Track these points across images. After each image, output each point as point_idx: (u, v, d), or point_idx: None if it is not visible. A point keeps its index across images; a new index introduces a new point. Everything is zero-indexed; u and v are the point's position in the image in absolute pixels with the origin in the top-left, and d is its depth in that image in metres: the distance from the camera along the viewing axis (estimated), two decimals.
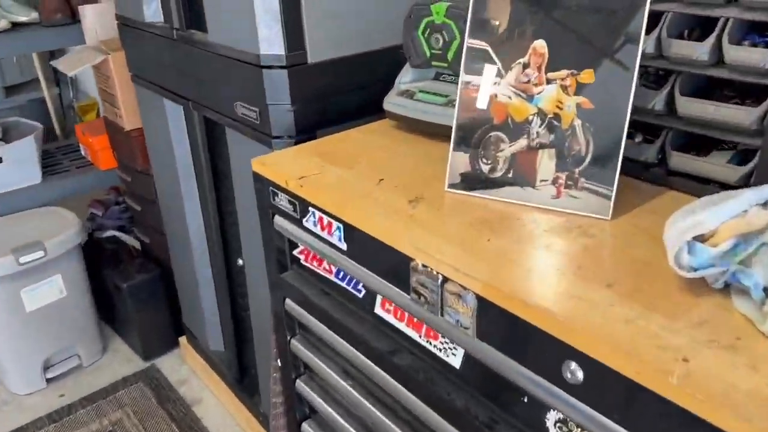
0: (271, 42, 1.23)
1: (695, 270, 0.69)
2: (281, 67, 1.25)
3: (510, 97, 0.92)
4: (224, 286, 1.87)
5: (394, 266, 0.87)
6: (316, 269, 1.11)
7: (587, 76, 0.87)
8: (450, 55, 1.14)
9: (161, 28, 1.59)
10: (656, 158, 0.95)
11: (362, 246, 0.93)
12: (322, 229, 1.00)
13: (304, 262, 1.14)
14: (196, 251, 1.92)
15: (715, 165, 0.88)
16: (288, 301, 1.18)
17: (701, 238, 0.71)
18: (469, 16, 0.93)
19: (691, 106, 0.88)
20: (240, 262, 1.71)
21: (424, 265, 0.82)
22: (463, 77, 0.94)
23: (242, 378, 1.93)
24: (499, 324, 0.75)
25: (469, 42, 0.94)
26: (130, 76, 1.90)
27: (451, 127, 0.97)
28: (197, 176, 1.79)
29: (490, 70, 0.93)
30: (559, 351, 0.68)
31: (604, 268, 0.76)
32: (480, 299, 0.76)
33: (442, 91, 1.18)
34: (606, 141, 0.86)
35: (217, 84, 1.45)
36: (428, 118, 1.15)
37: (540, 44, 0.89)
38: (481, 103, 0.94)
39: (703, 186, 0.90)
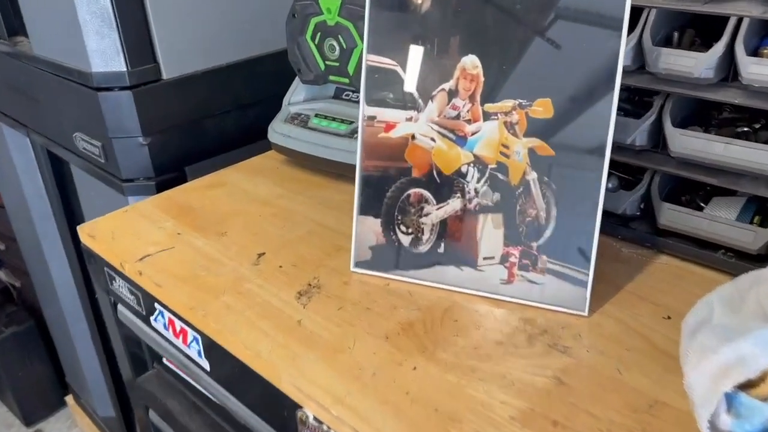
0: (105, 55, 0.90)
1: None
2: (123, 88, 0.92)
3: (433, 140, 0.63)
4: (101, 345, 1.53)
5: (276, 409, 0.58)
6: (182, 373, 0.80)
7: (543, 107, 0.59)
8: (351, 68, 0.84)
9: None
10: (637, 209, 0.69)
11: (230, 370, 0.63)
12: (176, 335, 0.70)
13: (166, 362, 0.83)
14: (65, 302, 1.57)
15: (723, 224, 0.63)
16: (152, 412, 0.87)
17: (746, 384, 0.44)
18: (366, 21, 0.63)
19: (689, 143, 0.62)
20: None
21: (317, 419, 0.53)
22: (365, 110, 0.65)
23: None
24: None
25: (369, 59, 0.64)
26: None
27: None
28: (56, 217, 1.43)
29: (401, 99, 0.64)
30: None
31: (593, 420, 0.49)
32: None
33: (344, 115, 0.88)
34: (576, 202, 0.59)
35: (53, 109, 1.10)
36: (327, 154, 0.85)
37: (471, 62, 0.61)
38: (393, 148, 0.64)
39: (707, 251, 0.64)
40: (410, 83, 0.63)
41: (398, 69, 0.63)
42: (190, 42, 0.96)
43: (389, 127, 0.64)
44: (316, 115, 0.89)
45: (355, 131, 0.85)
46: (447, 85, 0.62)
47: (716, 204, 0.67)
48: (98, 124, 0.95)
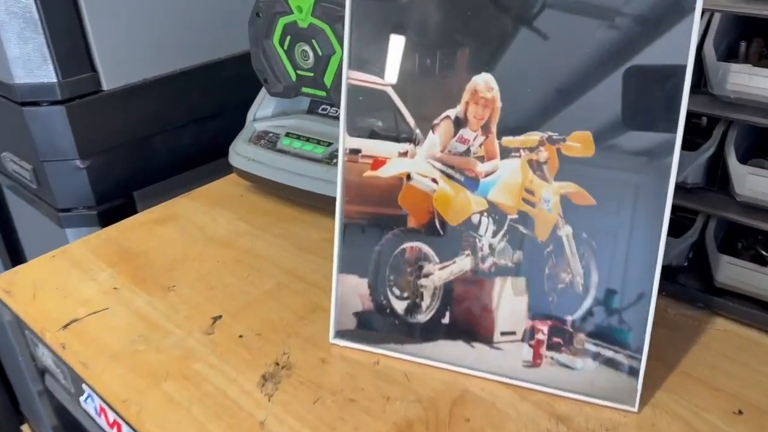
0: (29, 63, 0.74)
1: None
2: (55, 102, 0.76)
3: (435, 181, 0.49)
4: None
5: None
6: None
7: (581, 143, 0.45)
8: (329, 79, 0.70)
9: None
10: (685, 259, 0.56)
11: None
12: (109, 426, 0.55)
13: None
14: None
15: None
16: None
17: None
18: (347, 25, 0.49)
19: (761, 185, 0.48)
20: None
21: None
22: (347, 141, 0.51)
23: None
24: None
25: (352, 77, 0.50)
26: None
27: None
28: None
29: (393, 128, 0.50)
30: None
31: None
32: None
33: (321, 135, 0.73)
34: (624, 265, 0.46)
35: None
36: (299, 183, 0.71)
37: (484, 82, 0.47)
38: (383, 191, 0.50)
39: None
40: (405, 108, 0.49)
41: (389, 90, 0.49)
42: (137, 45, 0.81)
43: (378, 163, 0.50)
44: (287, 135, 0.74)
45: (334, 155, 0.70)
46: (453, 112, 0.48)
47: None
48: (27, 144, 0.80)
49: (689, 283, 0.56)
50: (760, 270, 0.51)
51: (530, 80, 0.45)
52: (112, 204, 0.84)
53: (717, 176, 0.52)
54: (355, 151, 0.50)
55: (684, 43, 0.42)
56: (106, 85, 0.80)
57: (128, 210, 0.85)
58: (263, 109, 0.78)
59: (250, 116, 0.79)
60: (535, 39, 0.45)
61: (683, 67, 0.42)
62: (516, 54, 0.46)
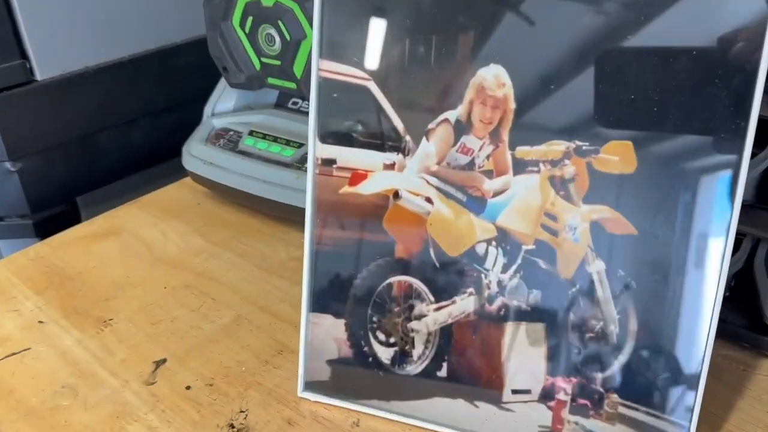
0: None
1: None
2: None
3: (430, 200, 0.39)
4: None
5: None
6: None
7: (619, 154, 0.35)
8: (299, 69, 0.59)
9: None
10: (727, 289, 0.46)
11: None
12: None
13: None
14: None
15: None
16: None
17: None
18: (317, 8, 0.38)
19: None
20: None
21: None
22: (318, 149, 0.40)
23: None
24: None
25: (324, 69, 0.39)
26: None
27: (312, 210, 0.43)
28: None
29: (377, 134, 0.39)
30: None
31: None
32: None
33: (291, 134, 0.63)
34: (669, 311, 0.36)
35: None
36: (264, 191, 0.60)
37: (494, 76, 0.36)
38: (364, 211, 0.40)
39: None
40: (391, 108, 0.39)
41: (371, 85, 0.39)
42: (77, 27, 0.69)
43: (357, 177, 0.40)
44: (251, 133, 0.64)
45: (306, 158, 0.60)
46: (453, 114, 0.37)
47: None
48: None
49: (732, 318, 0.46)
50: None
51: (553, 74, 0.35)
52: (52, 212, 0.73)
53: None
54: (329, 162, 0.40)
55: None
56: (40, 75, 0.68)
57: (70, 218, 0.74)
58: (223, 103, 0.68)
59: (207, 111, 0.68)
60: (559, 21, 0.35)
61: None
62: (536, 40, 0.35)
